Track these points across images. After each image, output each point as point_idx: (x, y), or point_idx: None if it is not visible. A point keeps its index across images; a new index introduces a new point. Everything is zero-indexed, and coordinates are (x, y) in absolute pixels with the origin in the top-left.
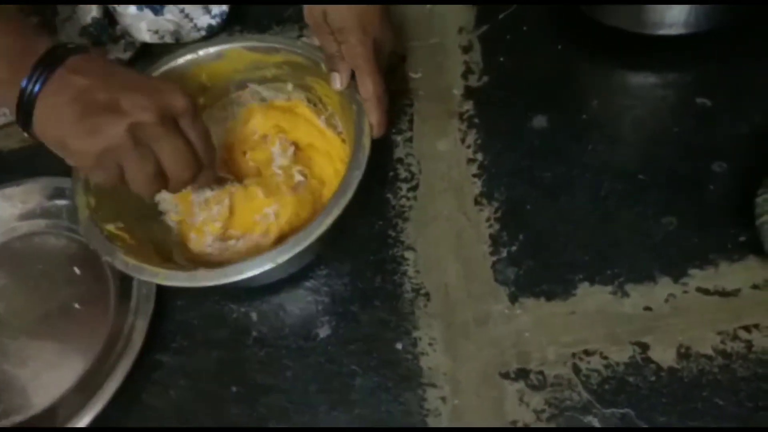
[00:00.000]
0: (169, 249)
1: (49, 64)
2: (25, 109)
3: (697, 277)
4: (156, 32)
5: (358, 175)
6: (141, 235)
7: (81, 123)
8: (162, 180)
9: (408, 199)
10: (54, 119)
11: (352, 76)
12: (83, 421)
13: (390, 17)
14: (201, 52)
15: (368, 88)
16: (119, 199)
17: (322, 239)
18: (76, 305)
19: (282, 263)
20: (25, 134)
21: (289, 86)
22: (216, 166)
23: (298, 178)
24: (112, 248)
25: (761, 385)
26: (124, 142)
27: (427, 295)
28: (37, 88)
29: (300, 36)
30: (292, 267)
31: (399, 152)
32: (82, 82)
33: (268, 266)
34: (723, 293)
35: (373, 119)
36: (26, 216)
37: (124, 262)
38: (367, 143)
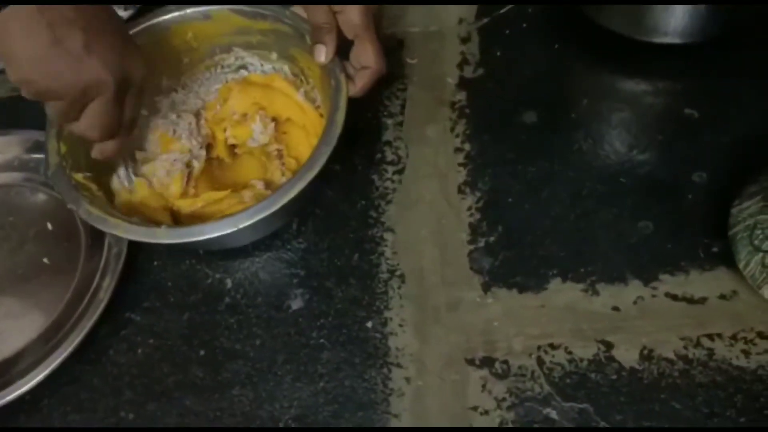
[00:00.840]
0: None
1: None
2: None
3: (667, 283)
4: None
5: (327, 150)
6: (107, 186)
7: (57, 48)
8: (112, 131)
9: (393, 181)
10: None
11: (337, 51)
12: (41, 374)
13: None
14: (189, 11)
15: (370, 55)
16: (89, 150)
17: (288, 209)
18: (45, 260)
19: (244, 228)
20: None
21: (273, 55)
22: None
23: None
24: (78, 197)
25: (718, 393)
26: (110, 89)
27: (402, 276)
28: None
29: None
30: (258, 232)
31: (388, 135)
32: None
33: (228, 230)
34: (691, 300)
35: (359, 83)
36: (3, 167)
37: (88, 211)
38: (340, 120)
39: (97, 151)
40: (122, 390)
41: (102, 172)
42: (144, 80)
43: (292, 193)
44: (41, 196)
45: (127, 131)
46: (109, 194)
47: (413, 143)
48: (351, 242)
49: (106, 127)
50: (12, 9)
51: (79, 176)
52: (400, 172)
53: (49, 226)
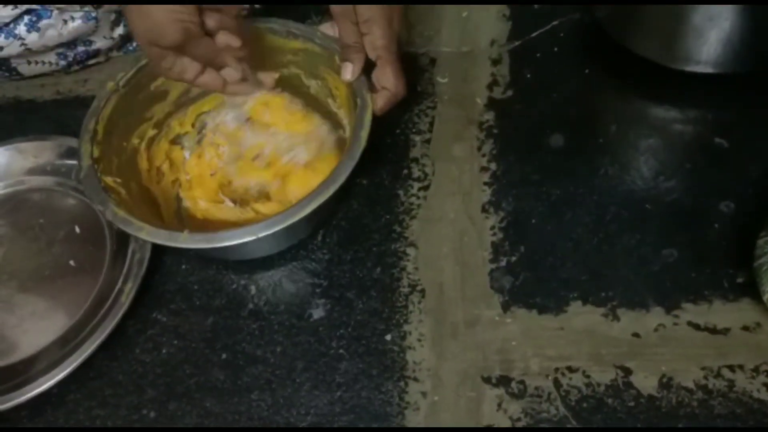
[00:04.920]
0: (158, 208)
1: None
2: None
3: (690, 311)
4: None
5: (350, 165)
6: (136, 192)
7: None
8: None
9: (418, 197)
10: None
11: (364, 70)
12: (59, 375)
13: (407, 19)
14: None
15: (389, 78)
16: (121, 155)
17: (308, 221)
18: (71, 262)
19: (264, 238)
20: None
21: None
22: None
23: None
24: (106, 199)
25: (737, 425)
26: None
27: (422, 291)
28: None
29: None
30: (278, 244)
31: (416, 152)
32: None
33: (248, 238)
34: (713, 330)
35: (378, 103)
36: (36, 171)
37: (114, 213)
38: (364, 137)
39: (231, 90)
40: (145, 388)
41: (131, 177)
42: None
43: (313, 206)
44: (71, 201)
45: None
46: (138, 199)
47: (440, 161)
48: (374, 255)
49: (201, 52)
50: None
51: (108, 179)
52: (425, 188)
53: (77, 229)
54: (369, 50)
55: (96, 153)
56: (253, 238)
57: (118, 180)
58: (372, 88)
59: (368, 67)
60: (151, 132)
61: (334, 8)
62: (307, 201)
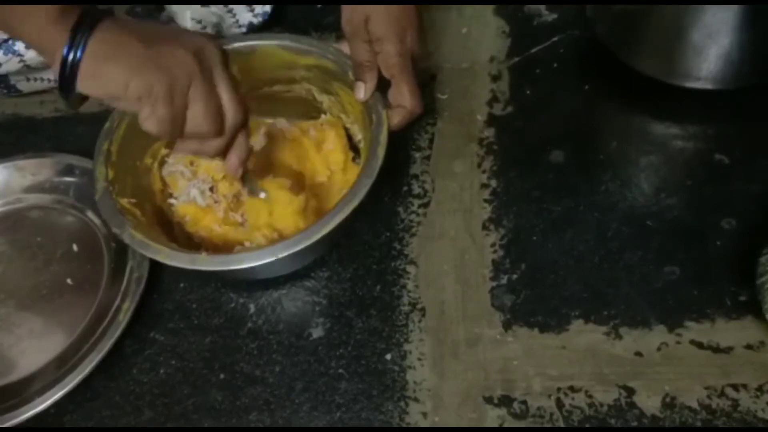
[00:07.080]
0: (172, 228)
1: (87, 25)
2: (69, 74)
3: (693, 330)
4: (199, 22)
5: (368, 182)
6: (150, 213)
7: (145, 58)
8: (220, 120)
9: (418, 215)
10: (109, 68)
11: (378, 87)
12: (57, 395)
13: (425, 33)
14: (235, 44)
15: (405, 96)
16: (135, 175)
17: (326, 240)
18: (69, 281)
19: (283, 258)
20: (65, 102)
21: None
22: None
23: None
24: (123, 221)
25: None
26: (192, 66)
27: (422, 310)
28: (79, 53)
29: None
30: (293, 265)
31: (415, 168)
32: (127, 34)
33: (268, 259)
34: (716, 349)
35: (394, 120)
36: (34, 189)
37: (131, 236)
38: (381, 154)
39: (229, 165)
40: (143, 409)
41: (145, 198)
42: (225, 57)
43: (333, 224)
44: (69, 218)
45: (236, 123)
46: (152, 220)
47: (440, 177)
48: (374, 273)
49: (213, 114)
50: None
51: (124, 201)
52: (425, 205)
53: (75, 247)
54: (383, 69)
55: (110, 174)
56: (273, 258)
57: (133, 201)
58: (387, 104)
59: (382, 82)
60: (164, 151)
61: (346, 27)
62: (326, 220)
